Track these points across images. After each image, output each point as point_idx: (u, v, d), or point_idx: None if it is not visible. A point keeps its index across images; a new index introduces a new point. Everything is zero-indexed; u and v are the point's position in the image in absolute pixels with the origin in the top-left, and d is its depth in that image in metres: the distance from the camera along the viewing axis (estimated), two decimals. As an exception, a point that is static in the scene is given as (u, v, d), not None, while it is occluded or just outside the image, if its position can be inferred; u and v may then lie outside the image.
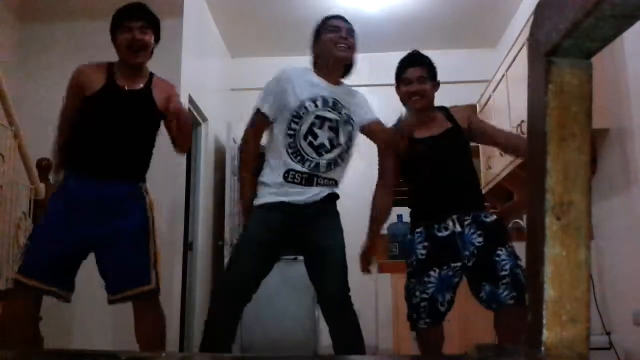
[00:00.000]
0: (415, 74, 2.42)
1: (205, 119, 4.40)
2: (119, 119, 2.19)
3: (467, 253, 2.24)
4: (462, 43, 5.00)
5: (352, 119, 2.30)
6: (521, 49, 3.51)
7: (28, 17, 3.81)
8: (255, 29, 4.84)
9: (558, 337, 0.48)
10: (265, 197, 2.21)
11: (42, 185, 2.90)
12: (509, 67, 3.77)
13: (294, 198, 2.17)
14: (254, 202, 2.23)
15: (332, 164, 2.24)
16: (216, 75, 4.86)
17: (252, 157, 2.31)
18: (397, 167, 2.47)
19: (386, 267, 4.39)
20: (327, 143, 2.21)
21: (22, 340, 2.02)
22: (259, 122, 2.28)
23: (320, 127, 2.19)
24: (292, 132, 2.19)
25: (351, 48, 2.31)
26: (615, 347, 2.80)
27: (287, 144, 2.19)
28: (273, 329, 4.50)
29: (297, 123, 2.18)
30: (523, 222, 3.91)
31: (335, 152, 2.24)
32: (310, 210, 2.18)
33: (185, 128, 2.31)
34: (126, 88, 2.22)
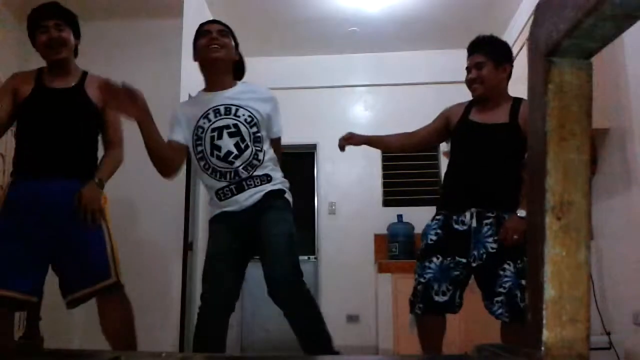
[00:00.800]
0: (473, 61, 2.40)
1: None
2: (53, 118, 2.17)
3: (475, 253, 2.20)
4: (462, 43, 4.98)
5: (254, 116, 2.18)
6: (521, 49, 3.51)
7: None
8: (255, 29, 4.84)
9: (558, 337, 0.48)
10: (212, 212, 2.27)
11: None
12: (509, 67, 3.77)
13: (231, 208, 2.16)
14: (210, 218, 2.29)
15: (249, 166, 2.15)
16: (216, 75, 4.86)
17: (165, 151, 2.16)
18: (429, 133, 2.54)
19: (386, 267, 4.39)
20: (233, 149, 2.13)
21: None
22: (172, 147, 2.18)
23: (219, 138, 2.14)
24: (200, 155, 2.16)
25: (225, 47, 2.23)
26: (615, 347, 2.80)
27: (202, 166, 2.17)
28: (273, 329, 4.50)
29: (200, 145, 2.16)
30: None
31: (247, 153, 2.14)
32: (250, 213, 2.13)
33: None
34: (56, 87, 2.22)
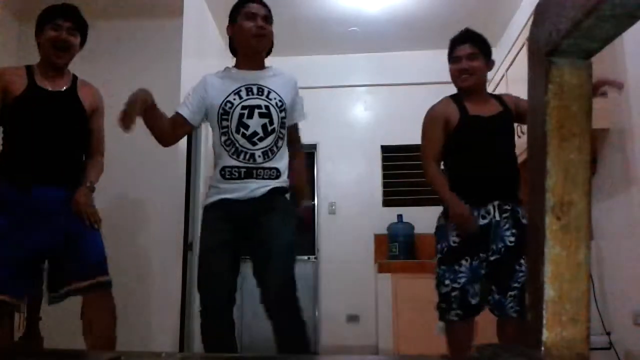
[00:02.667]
0: (465, 51, 2.34)
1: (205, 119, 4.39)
2: (46, 121, 2.14)
3: (494, 247, 2.19)
4: (462, 43, 4.99)
5: (283, 102, 2.18)
6: (521, 49, 3.51)
7: (28, 17, 3.81)
8: (255, 29, 4.84)
9: (558, 337, 0.48)
10: (209, 197, 2.18)
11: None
12: (509, 67, 3.77)
13: (233, 195, 2.09)
14: (203, 201, 2.23)
15: (269, 152, 2.13)
16: (216, 75, 4.85)
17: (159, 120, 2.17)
18: (441, 145, 2.36)
19: (386, 267, 4.39)
20: (260, 130, 2.11)
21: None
22: (175, 118, 2.19)
23: (249, 117, 2.11)
24: (224, 130, 2.13)
25: (268, 36, 2.20)
26: (615, 347, 2.80)
27: (223, 141, 2.13)
28: (273, 329, 4.50)
29: (226, 119, 2.12)
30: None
31: (271, 138, 2.13)
32: (252, 207, 2.08)
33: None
34: (49, 89, 2.18)
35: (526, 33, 3.32)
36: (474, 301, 2.17)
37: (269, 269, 2.05)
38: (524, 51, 3.45)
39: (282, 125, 2.17)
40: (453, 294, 2.18)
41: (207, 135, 4.47)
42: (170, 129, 2.17)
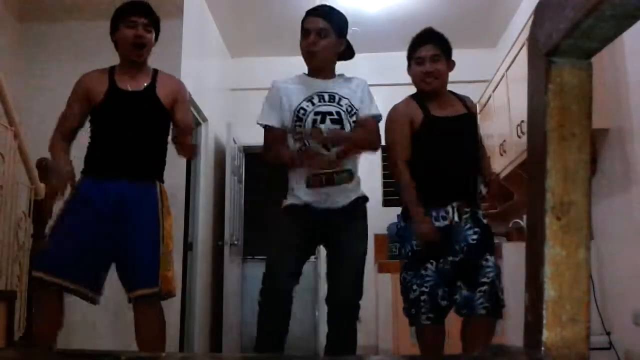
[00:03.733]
0: (429, 53, 2.29)
1: (205, 119, 4.39)
2: (127, 122, 2.19)
3: (457, 247, 2.17)
4: (462, 43, 4.99)
5: (354, 108, 2.25)
6: (521, 49, 3.51)
7: (28, 17, 3.81)
8: (255, 29, 4.84)
9: (558, 337, 0.48)
10: (292, 199, 2.23)
11: (42, 185, 2.90)
12: (509, 67, 3.77)
13: (317, 203, 2.18)
14: (283, 202, 2.27)
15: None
16: (216, 75, 4.86)
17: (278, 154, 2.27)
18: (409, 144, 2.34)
19: (386, 267, 4.39)
20: None
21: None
22: (271, 135, 2.26)
23: (322, 122, 2.17)
24: (298, 136, 2.19)
25: (322, 51, 2.22)
26: (615, 347, 2.80)
27: (297, 148, 2.19)
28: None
29: (299, 126, 2.19)
30: (523, 222, 3.90)
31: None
32: (336, 214, 2.19)
33: (184, 143, 2.30)
34: (129, 89, 2.22)
35: (526, 33, 3.32)
36: (443, 303, 2.18)
37: (345, 277, 2.18)
38: (524, 51, 3.45)
39: (353, 130, 2.23)
40: (422, 297, 2.18)
41: (206, 134, 4.47)
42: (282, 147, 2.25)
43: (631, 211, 2.78)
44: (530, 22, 0.59)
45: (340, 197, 2.19)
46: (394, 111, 2.38)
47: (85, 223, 2.08)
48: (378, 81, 5.37)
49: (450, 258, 2.19)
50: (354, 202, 2.24)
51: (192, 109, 3.99)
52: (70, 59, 3.57)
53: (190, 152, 2.39)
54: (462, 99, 2.41)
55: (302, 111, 2.18)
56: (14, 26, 3.73)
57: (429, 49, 2.29)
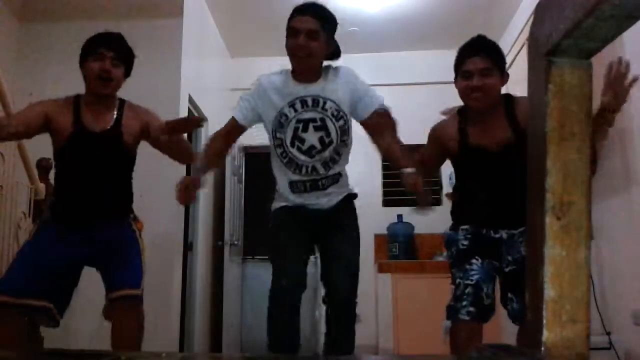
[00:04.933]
0: (478, 66, 2.03)
1: (205, 119, 4.39)
2: (92, 165, 2.15)
3: (509, 258, 2.08)
4: (462, 43, 5.00)
5: (340, 109, 2.13)
6: (521, 49, 3.51)
7: (28, 17, 3.81)
8: (255, 29, 4.83)
9: (558, 337, 0.48)
10: (281, 202, 2.23)
11: (42, 185, 2.90)
12: (509, 67, 3.76)
13: (308, 202, 2.18)
14: (272, 206, 2.27)
15: (330, 162, 2.16)
16: (216, 75, 4.86)
17: (211, 152, 2.27)
18: (433, 160, 2.27)
19: (386, 267, 4.39)
20: (317, 144, 2.12)
21: None
22: (230, 126, 2.23)
23: (304, 130, 2.11)
24: (279, 142, 2.14)
25: (312, 55, 2.08)
26: (615, 347, 2.80)
27: (279, 154, 2.16)
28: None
29: (280, 132, 2.13)
30: (523, 222, 3.90)
31: (330, 149, 2.14)
32: (326, 213, 2.18)
33: (179, 146, 2.27)
34: (96, 130, 2.15)
35: (526, 33, 3.31)
36: (487, 301, 2.04)
37: (341, 273, 2.13)
38: (524, 51, 3.45)
39: (342, 132, 2.15)
40: (466, 290, 2.03)
41: (206, 134, 4.47)
42: (222, 147, 2.27)
43: (631, 211, 2.78)
44: (530, 22, 0.59)
45: (328, 197, 2.18)
46: (432, 130, 2.28)
47: (49, 246, 2.07)
48: (378, 81, 5.36)
49: (498, 264, 2.11)
50: (343, 199, 2.23)
51: (192, 109, 4.00)
52: (70, 59, 3.55)
53: (184, 151, 2.34)
54: (513, 114, 2.08)
55: (283, 117, 2.12)
56: (14, 26, 3.73)
57: (478, 62, 2.03)
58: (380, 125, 2.18)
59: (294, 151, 2.12)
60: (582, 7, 0.43)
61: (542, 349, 0.47)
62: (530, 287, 0.51)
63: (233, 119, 2.20)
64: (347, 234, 2.20)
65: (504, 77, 2.10)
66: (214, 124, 4.61)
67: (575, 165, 0.49)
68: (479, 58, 2.05)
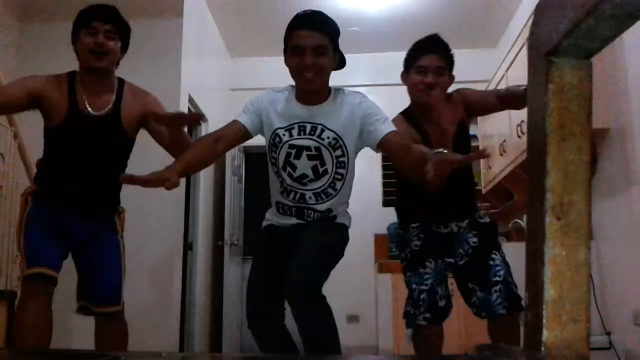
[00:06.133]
0: (433, 63, 2.07)
1: (205, 119, 4.40)
2: (86, 151, 2.02)
3: (461, 251, 2.13)
4: (462, 43, 4.99)
5: (339, 138, 1.96)
6: (521, 49, 3.51)
7: (28, 17, 3.81)
8: (255, 29, 4.83)
9: (558, 337, 0.48)
10: (270, 218, 2.11)
11: (42, 185, 2.89)
12: (509, 67, 3.77)
13: (291, 223, 2.03)
14: (265, 215, 2.14)
15: (322, 194, 1.99)
16: (216, 75, 4.86)
17: (194, 149, 2.01)
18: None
19: (386, 267, 4.39)
20: (310, 173, 1.97)
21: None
22: (229, 128, 2.03)
23: (297, 157, 1.96)
24: (273, 161, 2.02)
25: (320, 74, 1.93)
26: (615, 347, 2.81)
27: (274, 172, 2.05)
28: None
29: (274, 152, 2.00)
30: (523, 222, 3.91)
31: (324, 180, 1.98)
32: (300, 225, 2.04)
33: (179, 139, 2.08)
34: (92, 112, 2.01)
35: (526, 33, 3.31)
36: (441, 303, 2.10)
37: (296, 257, 1.88)
38: (524, 51, 3.45)
39: (339, 164, 1.98)
40: (421, 296, 2.10)
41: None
42: (208, 152, 2.00)
43: (631, 211, 2.78)
44: (530, 22, 0.59)
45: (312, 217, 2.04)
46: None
47: (47, 215, 2.01)
48: (378, 81, 5.38)
49: (452, 261, 2.15)
50: (332, 217, 2.04)
51: (192, 108, 4.00)
52: (70, 59, 3.56)
53: (185, 147, 2.08)
54: (453, 108, 2.14)
55: (277, 138, 1.97)
56: (14, 26, 3.73)
57: (435, 59, 2.07)
58: (400, 141, 1.94)
59: (285, 175, 1.99)
60: (582, 7, 0.43)
61: (542, 349, 0.47)
62: (530, 287, 0.51)
63: (238, 124, 2.01)
64: (319, 231, 1.99)
65: (451, 78, 2.15)
66: (214, 123, 4.62)
67: (575, 165, 0.49)
68: (436, 56, 2.09)
